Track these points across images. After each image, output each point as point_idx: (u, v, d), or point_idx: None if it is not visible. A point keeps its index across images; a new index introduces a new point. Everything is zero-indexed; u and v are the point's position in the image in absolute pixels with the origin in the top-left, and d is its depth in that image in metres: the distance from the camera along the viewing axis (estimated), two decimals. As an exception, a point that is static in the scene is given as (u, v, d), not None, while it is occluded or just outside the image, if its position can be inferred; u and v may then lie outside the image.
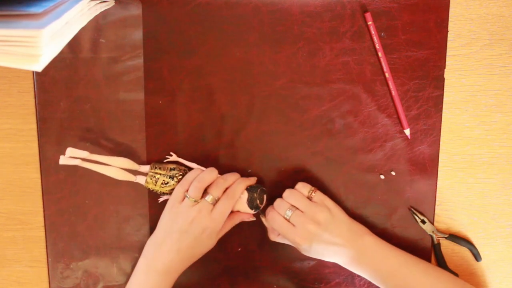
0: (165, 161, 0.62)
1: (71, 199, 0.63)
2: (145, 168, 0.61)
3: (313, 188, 0.60)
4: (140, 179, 0.61)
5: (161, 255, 0.57)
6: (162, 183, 0.59)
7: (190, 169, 0.62)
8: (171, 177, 0.59)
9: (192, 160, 0.62)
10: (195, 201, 0.57)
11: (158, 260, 0.57)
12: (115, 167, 0.60)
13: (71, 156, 0.58)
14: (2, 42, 0.39)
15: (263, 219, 0.63)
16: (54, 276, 0.64)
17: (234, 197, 0.59)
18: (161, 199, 0.63)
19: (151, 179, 0.60)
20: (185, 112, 0.62)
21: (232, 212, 0.61)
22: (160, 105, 0.62)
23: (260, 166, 0.63)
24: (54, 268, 0.64)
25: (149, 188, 0.60)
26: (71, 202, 0.63)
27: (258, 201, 0.60)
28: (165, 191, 0.60)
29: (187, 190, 0.58)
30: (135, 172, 0.61)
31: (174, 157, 0.61)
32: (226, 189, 0.59)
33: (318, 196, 0.60)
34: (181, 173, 0.60)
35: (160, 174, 0.60)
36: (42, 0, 0.45)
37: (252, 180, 0.62)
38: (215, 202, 0.58)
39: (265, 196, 0.61)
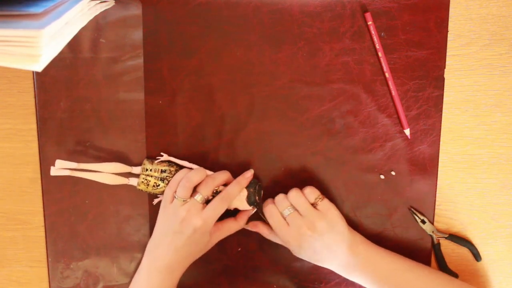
0: (156, 161, 0.62)
1: (71, 199, 0.63)
2: (138, 170, 0.61)
3: (321, 196, 0.59)
4: (133, 181, 0.61)
5: (160, 255, 0.57)
6: (153, 185, 0.60)
7: (182, 168, 0.62)
8: (162, 179, 0.60)
9: (192, 161, 0.62)
10: (184, 200, 0.57)
11: (158, 259, 0.57)
12: (106, 173, 0.60)
13: (61, 168, 0.59)
14: (2, 42, 0.39)
15: (262, 215, 0.62)
16: (54, 276, 0.64)
17: (228, 200, 0.58)
18: (155, 201, 0.63)
19: (142, 182, 0.60)
20: (185, 112, 0.62)
21: (237, 212, 0.61)
22: (160, 105, 0.62)
23: (260, 166, 0.63)
24: (54, 268, 0.64)
25: (141, 190, 0.61)
26: (71, 202, 0.63)
27: (256, 197, 0.60)
28: (157, 193, 0.60)
29: (176, 191, 0.58)
30: (128, 174, 0.61)
31: (165, 157, 0.61)
32: (223, 190, 0.59)
33: (324, 204, 0.59)
34: (171, 175, 0.60)
35: (151, 176, 0.60)
36: (42, 0, 0.45)
37: (247, 179, 0.61)
38: (205, 201, 0.58)
39: (262, 191, 0.62)
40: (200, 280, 0.66)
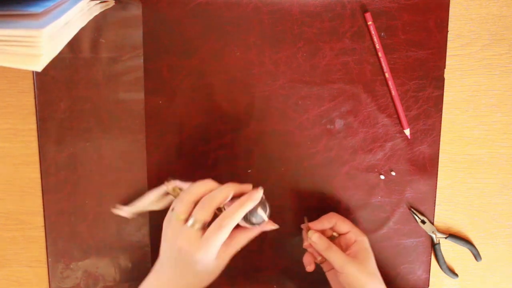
0: (171, 186, 0.59)
1: (71, 199, 0.63)
2: (166, 186, 0.60)
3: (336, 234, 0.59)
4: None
5: (166, 279, 0.52)
6: None
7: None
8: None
9: (192, 160, 0.62)
10: (180, 217, 0.49)
11: (165, 284, 0.52)
12: (154, 204, 0.61)
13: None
14: (2, 42, 0.39)
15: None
16: (54, 276, 0.64)
17: (229, 227, 0.49)
18: None
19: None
20: (185, 112, 0.62)
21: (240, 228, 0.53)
22: (160, 105, 0.62)
23: (260, 166, 0.63)
24: (54, 268, 0.64)
25: None
26: (71, 202, 0.63)
27: (254, 219, 0.53)
28: None
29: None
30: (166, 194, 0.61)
31: (172, 183, 0.59)
32: (222, 214, 0.50)
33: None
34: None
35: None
36: (42, 0, 0.45)
37: (253, 203, 0.51)
38: (203, 225, 0.49)
39: (264, 213, 0.53)
40: (200, 280, 0.65)
